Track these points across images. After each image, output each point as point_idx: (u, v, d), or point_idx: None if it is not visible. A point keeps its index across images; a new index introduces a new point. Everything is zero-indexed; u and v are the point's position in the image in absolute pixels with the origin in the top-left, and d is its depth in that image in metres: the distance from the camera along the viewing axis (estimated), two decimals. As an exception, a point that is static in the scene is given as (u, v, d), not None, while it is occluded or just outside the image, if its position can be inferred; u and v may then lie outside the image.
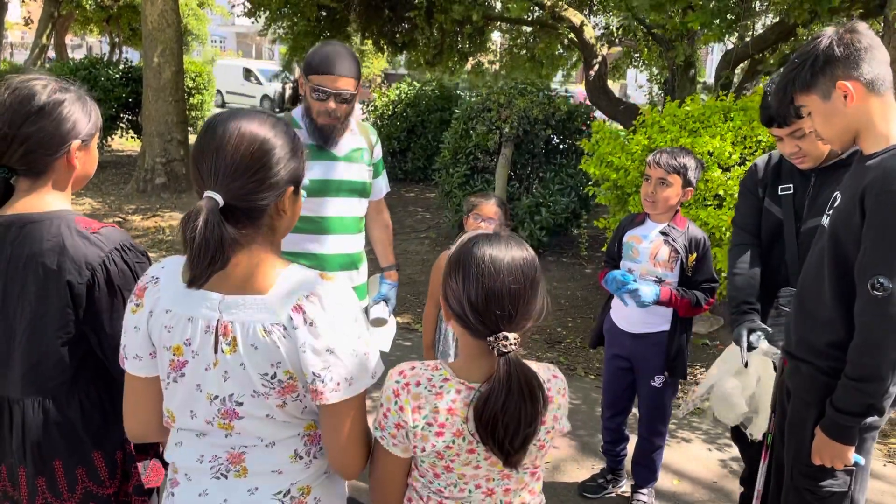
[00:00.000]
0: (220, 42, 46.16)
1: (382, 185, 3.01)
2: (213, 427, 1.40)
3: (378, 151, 2.97)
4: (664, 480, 3.51)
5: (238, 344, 1.34)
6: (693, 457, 3.79)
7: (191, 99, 13.32)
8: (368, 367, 1.42)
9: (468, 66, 12.14)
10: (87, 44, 32.47)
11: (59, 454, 1.64)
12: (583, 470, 3.56)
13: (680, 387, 3.38)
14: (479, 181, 6.82)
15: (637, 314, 3.04)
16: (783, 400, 2.26)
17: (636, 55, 11.78)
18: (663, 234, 2.98)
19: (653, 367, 3.05)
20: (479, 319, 1.39)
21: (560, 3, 8.90)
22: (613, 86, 17.02)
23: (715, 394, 2.57)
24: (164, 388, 1.44)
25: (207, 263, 1.27)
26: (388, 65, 26.14)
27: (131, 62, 11.58)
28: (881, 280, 1.79)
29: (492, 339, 1.37)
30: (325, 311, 1.35)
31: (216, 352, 1.36)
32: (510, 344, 1.37)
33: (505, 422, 1.35)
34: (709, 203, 4.77)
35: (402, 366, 1.46)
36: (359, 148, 2.82)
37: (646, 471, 3.25)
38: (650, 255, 2.98)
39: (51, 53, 16.96)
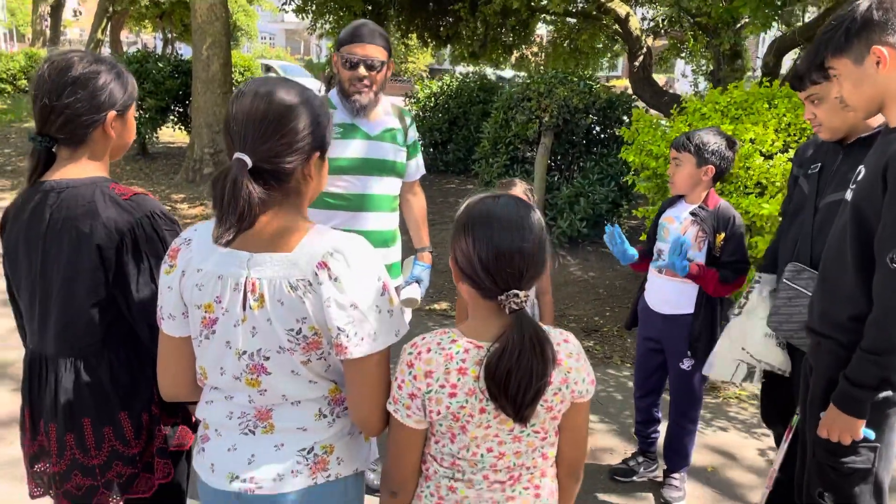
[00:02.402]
0: (270, 39, 46.85)
1: (416, 168, 3.04)
2: (241, 383, 1.46)
3: (412, 134, 3.01)
4: (699, 466, 3.49)
5: (265, 300, 1.39)
6: (729, 443, 3.75)
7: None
8: (392, 324, 1.46)
9: (513, 59, 12.15)
10: (141, 41, 33.29)
11: (87, 412, 1.71)
12: (616, 456, 3.55)
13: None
14: (519, 171, 6.81)
15: (669, 295, 3.03)
16: (806, 377, 2.24)
17: (683, 46, 11.61)
18: (693, 214, 2.97)
19: (681, 350, 3.03)
20: (491, 278, 1.40)
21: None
22: (660, 77, 16.82)
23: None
24: (197, 346, 1.50)
25: (236, 220, 1.32)
26: (434, 59, 26.25)
27: (181, 56, 11.84)
28: None
29: (503, 297, 1.39)
30: (349, 268, 1.39)
31: (244, 308, 1.41)
32: (521, 301, 1.39)
33: (518, 376, 1.36)
34: (750, 191, 4.69)
35: (414, 339, 1.50)
36: (391, 129, 2.87)
37: (677, 455, 3.23)
38: (679, 235, 2.97)
39: (106, 50, 17.48)
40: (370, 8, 10.25)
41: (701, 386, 3.14)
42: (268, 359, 1.43)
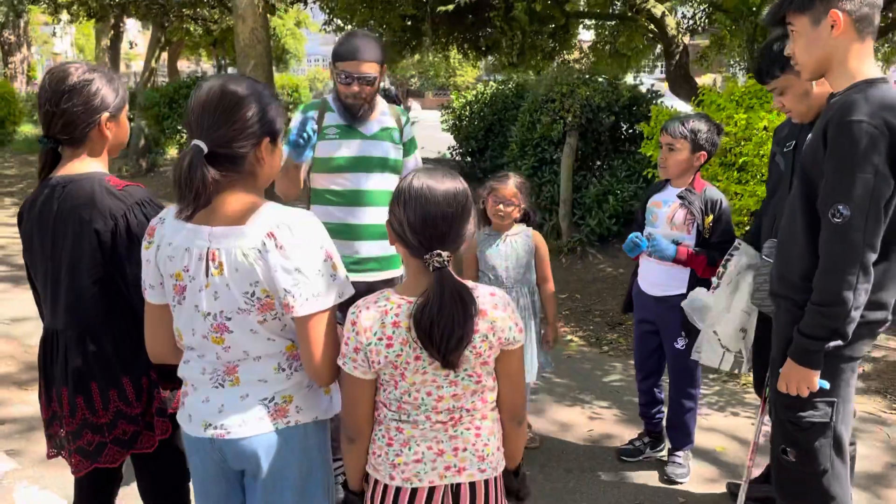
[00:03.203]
0: (323, 61, 48.07)
1: (414, 164, 3.23)
2: (209, 342, 1.67)
3: (408, 132, 3.20)
4: (709, 447, 3.56)
5: (224, 267, 1.60)
6: (741, 427, 3.80)
7: (288, 113, 14.08)
8: (336, 287, 1.65)
9: (554, 65, 12.25)
10: (200, 68, 34.59)
11: (94, 377, 1.95)
12: (627, 439, 3.63)
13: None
14: (548, 172, 6.93)
15: (658, 277, 3.13)
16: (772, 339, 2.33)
17: (723, 43, 11.51)
18: (680, 197, 3.06)
19: (674, 330, 3.13)
20: (417, 239, 1.60)
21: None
22: (709, 77, 16.64)
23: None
24: (172, 310, 1.72)
25: (192, 198, 1.54)
26: (481, 71, 26.50)
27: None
28: (839, 207, 1.88)
29: (427, 256, 1.58)
30: (293, 237, 1.59)
31: (207, 275, 1.62)
32: (443, 260, 1.57)
33: (441, 325, 1.54)
34: (766, 178, 4.72)
35: (357, 301, 1.68)
36: (387, 128, 3.07)
37: (679, 434, 3.31)
38: (667, 218, 3.07)
39: (162, 78, 18.37)
40: (409, 24, 10.50)
41: (697, 365, 3.22)
42: (229, 319, 1.63)
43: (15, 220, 2.10)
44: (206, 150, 1.56)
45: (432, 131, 12.03)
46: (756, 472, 3.15)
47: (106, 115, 1.95)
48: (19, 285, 6.03)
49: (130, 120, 11.83)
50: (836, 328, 1.95)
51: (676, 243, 3.02)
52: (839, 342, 1.97)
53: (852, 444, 2.55)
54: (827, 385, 2.06)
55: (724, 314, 2.70)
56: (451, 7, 6.74)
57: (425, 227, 1.59)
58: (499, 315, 1.64)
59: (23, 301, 5.62)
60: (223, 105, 1.58)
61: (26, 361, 4.51)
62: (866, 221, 1.89)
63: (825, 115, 2.01)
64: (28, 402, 3.91)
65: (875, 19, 2.00)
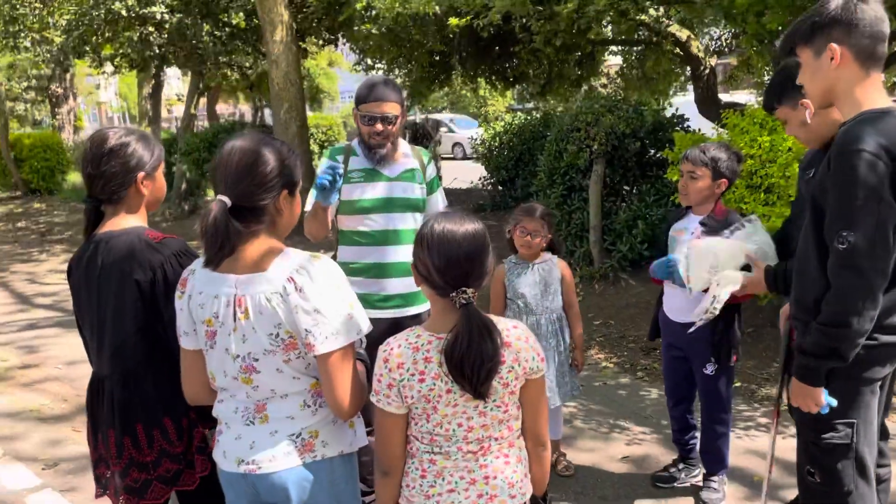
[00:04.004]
0: (357, 96, 48.87)
1: (438, 201, 3.34)
2: (238, 382, 1.78)
3: (431, 171, 3.32)
4: (749, 470, 3.56)
5: (249, 312, 1.73)
6: (782, 449, 3.75)
7: (323, 150, 14.40)
8: (352, 326, 1.76)
9: (581, 92, 12.35)
10: (239, 111, 35.49)
11: (139, 419, 2.08)
12: (663, 465, 3.65)
13: (735, 374, 3.41)
14: (577, 200, 6.99)
15: (684, 304, 3.16)
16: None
17: (751, 64, 11.49)
18: (703, 224, 3.11)
19: (703, 355, 3.15)
20: (444, 280, 1.71)
21: (662, 21, 8.95)
22: (740, 93, 16.58)
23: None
24: (205, 354, 1.84)
25: (217, 249, 1.67)
26: (513, 100, 26.75)
27: (267, 122, 12.76)
28: (844, 234, 1.93)
29: (454, 294, 1.69)
30: (312, 281, 1.71)
31: (234, 320, 1.74)
32: (468, 297, 1.68)
33: (471, 359, 1.65)
34: (793, 199, 4.73)
35: (388, 339, 1.79)
36: (411, 169, 3.19)
37: (713, 459, 3.31)
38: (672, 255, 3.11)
39: (201, 123, 18.98)
40: (437, 58, 10.72)
41: (728, 389, 3.24)
42: (257, 360, 1.75)
43: (66, 267, 2.24)
44: (230, 203, 1.69)
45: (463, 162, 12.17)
46: (790, 496, 3.15)
47: (142, 174, 2.10)
48: (71, 330, 6.26)
49: (172, 164, 12.37)
50: (836, 348, 1.99)
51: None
52: (839, 363, 2.01)
53: (886, 465, 2.56)
54: (834, 402, 2.09)
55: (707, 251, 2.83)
56: (463, 21, 6.89)
57: (449, 268, 1.70)
58: (522, 346, 1.75)
59: (74, 346, 5.85)
60: (244, 162, 1.72)
61: (79, 404, 4.70)
62: (873, 247, 1.93)
63: (833, 143, 2.07)
64: (81, 443, 4.08)
65: (879, 50, 2.03)
